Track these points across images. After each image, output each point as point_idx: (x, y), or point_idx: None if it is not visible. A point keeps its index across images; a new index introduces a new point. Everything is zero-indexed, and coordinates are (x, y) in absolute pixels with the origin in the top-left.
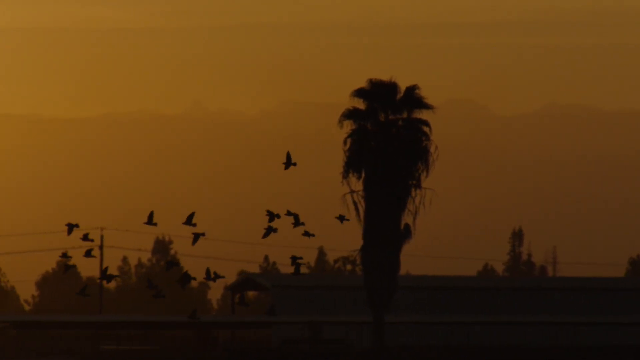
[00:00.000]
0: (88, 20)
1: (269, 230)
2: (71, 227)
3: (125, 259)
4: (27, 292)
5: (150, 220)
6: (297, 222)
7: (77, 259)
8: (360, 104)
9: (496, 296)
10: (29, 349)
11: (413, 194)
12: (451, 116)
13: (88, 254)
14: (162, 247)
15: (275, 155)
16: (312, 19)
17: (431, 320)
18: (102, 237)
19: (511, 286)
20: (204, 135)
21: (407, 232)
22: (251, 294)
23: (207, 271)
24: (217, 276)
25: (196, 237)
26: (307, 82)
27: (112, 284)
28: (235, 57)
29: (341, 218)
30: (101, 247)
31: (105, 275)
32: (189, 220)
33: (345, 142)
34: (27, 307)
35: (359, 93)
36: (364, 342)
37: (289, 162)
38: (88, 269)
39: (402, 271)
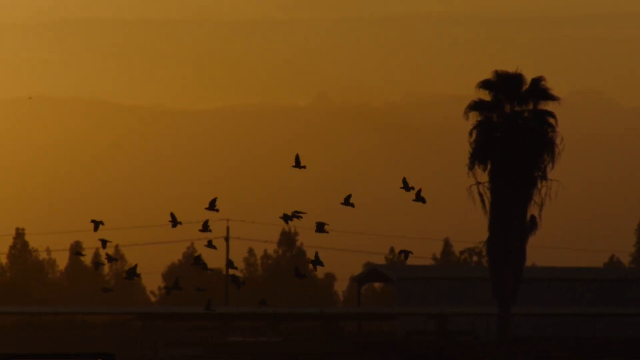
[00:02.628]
0: (215, 12)
1: (287, 218)
2: (97, 224)
3: (251, 251)
4: (153, 283)
5: (212, 207)
6: (320, 229)
7: (202, 250)
8: (486, 96)
9: (622, 288)
10: (156, 341)
11: (539, 185)
12: (577, 107)
13: (210, 245)
14: (287, 238)
15: (400, 146)
16: (439, 11)
17: (557, 312)
18: (227, 228)
19: (637, 278)
20: (329, 126)
21: (532, 224)
22: (377, 285)
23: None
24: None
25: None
26: (433, 73)
27: (238, 276)
28: (361, 49)
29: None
30: (227, 239)
31: (131, 273)
32: (211, 206)
33: (471, 134)
34: (153, 299)
35: (485, 85)
36: (490, 333)
37: (297, 164)
38: (214, 260)
39: (528, 263)
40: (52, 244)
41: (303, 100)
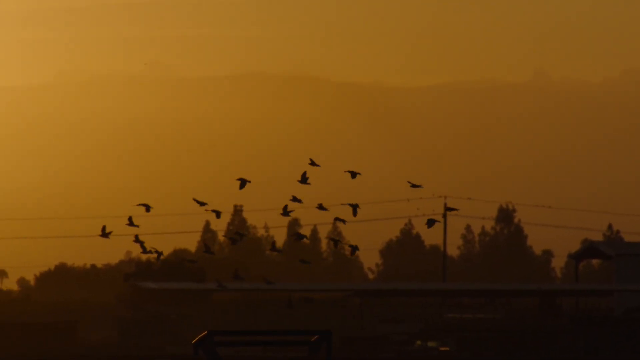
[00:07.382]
0: None
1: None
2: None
3: (468, 228)
4: (371, 260)
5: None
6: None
7: (420, 227)
8: None
9: None
10: (374, 317)
11: None
12: None
13: (431, 223)
14: (505, 215)
15: (616, 122)
16: None
17: None
18: (445, 205)
19: None
20: (547, 104)
21: None
22: (594, 261)
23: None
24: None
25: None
26: None
27: (456, 252)
28: (577, 23)
29: (353, 174)
30: (445, 216)
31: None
32: (242, 185)
33: None
34: (371, 276)
35: None
36: None
37: (313, 163)
38: (432, 237)
39: None
40: (270, 221)
41: (521, 76)
